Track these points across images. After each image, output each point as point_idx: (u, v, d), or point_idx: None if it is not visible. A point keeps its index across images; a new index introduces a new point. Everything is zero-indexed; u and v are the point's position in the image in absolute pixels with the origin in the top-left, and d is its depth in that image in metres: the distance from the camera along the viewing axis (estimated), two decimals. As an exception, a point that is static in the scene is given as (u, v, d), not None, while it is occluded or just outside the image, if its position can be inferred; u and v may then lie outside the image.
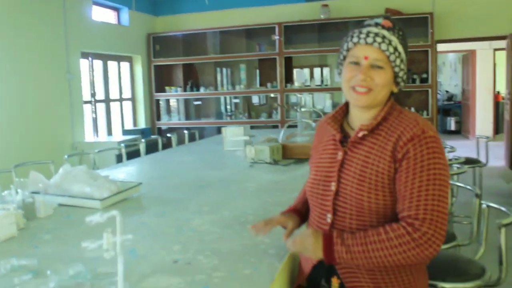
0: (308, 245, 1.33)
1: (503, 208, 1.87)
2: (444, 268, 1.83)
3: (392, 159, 1.33)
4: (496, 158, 5.13)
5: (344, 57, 1.46)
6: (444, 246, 2.11)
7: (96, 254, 1.61)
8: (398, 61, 1.39)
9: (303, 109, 4.79)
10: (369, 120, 1.43)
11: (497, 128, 10.99)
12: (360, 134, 1.40)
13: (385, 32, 1.38)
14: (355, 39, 1.41)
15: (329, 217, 1.42)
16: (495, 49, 10.40)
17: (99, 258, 1.56)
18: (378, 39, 1.37)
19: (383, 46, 1.37)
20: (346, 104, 1.53)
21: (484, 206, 1.98)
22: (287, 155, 3.67)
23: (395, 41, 1.39)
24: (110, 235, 1.06)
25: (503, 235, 1.70)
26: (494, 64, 10.63)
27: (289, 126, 4.35)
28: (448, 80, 13.55)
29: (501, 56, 9.95)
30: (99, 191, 2.36)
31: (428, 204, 1.26)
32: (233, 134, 4.36)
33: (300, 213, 1.66)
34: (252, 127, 6.11)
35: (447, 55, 13.12)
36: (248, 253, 1.58)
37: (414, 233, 1.24)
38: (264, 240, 1.68)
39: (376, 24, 1.41)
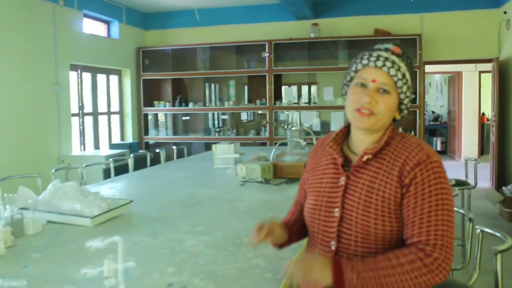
0: (315, 270, 1.26)
1: (497, 234, 1.87)
2: (439, 293, 1.82)
3: (398, 184, 1.33)
4: (481, 179, 5.18)
5: (351, 78, 1.46)
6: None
7: (91, 276, 1.58)
8: (405, 88, 1.40)
9: (293, 128, 4.80)
10: (371, 144, 1.42)
11: (482, 149, 11.13)
12: (365, 158, 1.39)
13: (394, 58, 1.39)
14: (364, 61, 1.41)
15: (333, 244, 1.39)
16: (481, 72, 10.56)
17: (91, 279, 1.54)
18: (388, 64, 1.38)
19: (392, 71, 1.37)
20: (346, 128, 1.53)
21: (478, 231, 1.98)
22: (278, 174, 3.66)
23: (403, 67, 1.39)
24: (111, 262, 1.03)
25: (499, 261, 1.70)
26: (480, 86, 10.79)
27: (281, 144, 4.33)
28: (434, 101, 13.72)
29: (486, 79, 10.12)
30: (90, 209, 2.32)
31: (438, 229, 1.26)
32: (223, 151, 4.34)
33: (291, 231, 1.56)
34: (240, 144, 6.12)
35: (433, 76, 13.30)
36: (244, 276, 1.55)
37: (426, 258, 1.23)
38: (259, 264, 1.66)
39: (386, 49, 1.42)
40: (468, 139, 10.93)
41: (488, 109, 10.60)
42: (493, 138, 7.52)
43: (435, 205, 1.28)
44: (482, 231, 1.98)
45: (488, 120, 11.37)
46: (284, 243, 1.55)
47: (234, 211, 2.55)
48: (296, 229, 1.60)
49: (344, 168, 1.45)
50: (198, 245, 1.90)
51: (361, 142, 1.45)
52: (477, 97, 10.85)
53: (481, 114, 11.16)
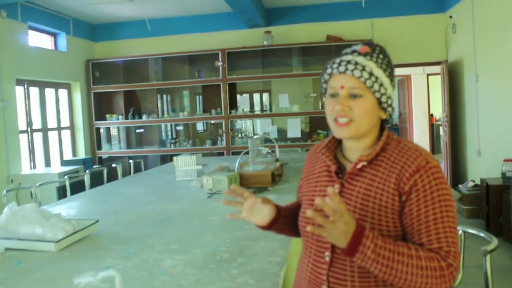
0: (339, 225, 1.14)
1: (481, 234, 1.86)
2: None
3: (396, 192, 1.27)
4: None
5: (325, 90, 1.41)
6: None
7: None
8: (376, 86, 1.32)
9: (255, 137, 4.73)
10: (364, 150, 1.36)
11: (433, 149, 11.45)
12: (360, 165, 1.32)
13: (358, 58, 1.33)
14: (329, 70, 1.36)
15: (327, 255, 1.32)
16: (428, 74, 10.89)
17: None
18: (350, 66, 1.31)
19: (356, 73, 1.31)
20: None
21: (460, 232, 1.97)
22: (245, 184, 3.57)
23: (370, 65, 1.32)
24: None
25: (489, 261, 1.68)
26: (428, 88, 11.11)
27: (237, 154, 4.24)
28: (384, 104, 14.03)
29: (434, 81, 10.45)
30: (53, 232, 2.15)
31: (448, 236, 1.22)
32: (185, 163, 4.21)
33: (279, 210, 1.48)
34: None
35: (383, 80, 13.61)
36: (234, 297, 1.45)
37: (444, 261, 1.19)
38: (247, 281, 1.57)
39: (353, 52, 1.37)
40: (419, 139, 11.22)
41: (436, 110, 10.95)
42: (446, 138, 7.73)
43: (440, 212, 1.23)
44: (464, 231, 1.96)
45: (437, 120, 11.74)
46: (269, 224, 1.45)
47: (207, 225, 2.44)
48: (285, 215, 1.50)
49: (338, 176, 1.38)
50: (177, 265, 1.78)
51: (353, 149, 1.39)
52: (426, 99, 11.17)
53: (430, 115, 11.50)
